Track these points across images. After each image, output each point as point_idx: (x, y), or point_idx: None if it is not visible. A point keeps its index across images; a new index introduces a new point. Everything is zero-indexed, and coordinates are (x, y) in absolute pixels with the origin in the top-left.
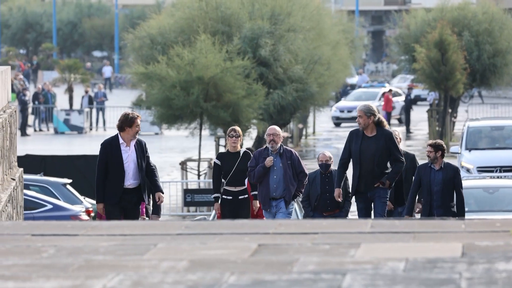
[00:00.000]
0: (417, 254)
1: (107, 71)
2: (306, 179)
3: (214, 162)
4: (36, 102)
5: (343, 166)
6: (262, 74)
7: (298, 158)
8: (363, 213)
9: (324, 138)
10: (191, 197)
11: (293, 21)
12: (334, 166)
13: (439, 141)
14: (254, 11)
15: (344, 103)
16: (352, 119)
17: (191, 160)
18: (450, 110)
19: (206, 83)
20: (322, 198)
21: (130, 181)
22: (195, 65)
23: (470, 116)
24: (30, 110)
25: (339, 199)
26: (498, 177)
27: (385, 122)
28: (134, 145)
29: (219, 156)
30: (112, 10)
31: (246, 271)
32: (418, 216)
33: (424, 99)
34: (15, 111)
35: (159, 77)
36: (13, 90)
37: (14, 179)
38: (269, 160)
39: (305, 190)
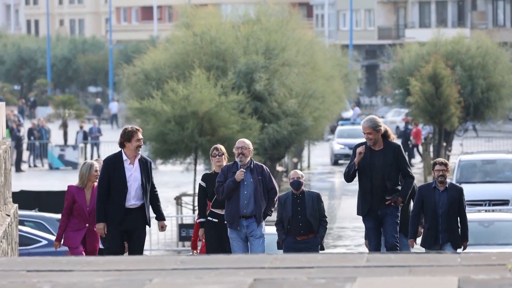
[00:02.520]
0: None
1: (114, 107)
2: (277, 197)
3: (199, 184)
4: (32, 138)
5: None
6: (256, 109)
7: (269, 173)
8: (372, 234)
9: (319, 172)
10: (186, 232)
11: (288, 55)
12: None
13: (443, 159)
14: (249, 46)
15: (347, 140)
16: None
17: (186, 195)
18: (444, 144)
19: (200, 117)
20: (294, 221)
21: (132, 201)
22: (190, 100)
23: (465, 149)
24: (24, 146)
25: (360, 153)
26: (492, 211)
27: (392, 134)
28: (139, 163)
29: (204, 177)
30: (106, 46)
31: None
32: (419, 240)
33: None
34: (10, 147)
35: (153, 112)
36: (7, 126)
37: (9, 215)
38: (240, 174)
39: (278, 213)
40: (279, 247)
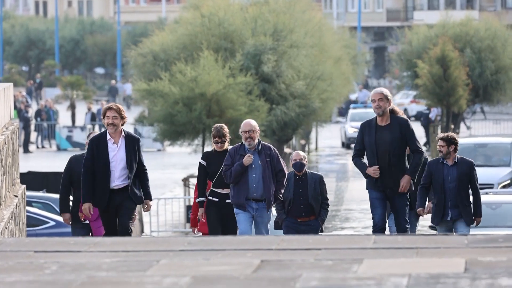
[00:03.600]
0: (420, 270)
1: (128, 88)
2: (286, 179)
3: (199, 162)
4: (39, 119)
5: (357, 156)
6: (264, 90)
7: (277, 154)
8: (378, 203)
9: (327, 154)
10: None
11: (296, 37)
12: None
13: (451, 134)
14: (257, 27)
15: (360, 123)
16: None
17: (193, 177)
18: (452, 126)
19: (208, 99)
20: (295, 202)
21: (117, 182)
22: (198, 82)
23: (473, 132)
24: (32, 127)
25: (376, 174)
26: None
27: (400, 110)
28: (125, 142)
29: (205, 155)
30: (114, 27)
31: (249, 287)
32: (429, 215)
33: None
34: (18, 128)
35: (161, 94)
36: (15, 107)
37: (16, 196)
38: (248, 158)
39: None
40: (276, 227)
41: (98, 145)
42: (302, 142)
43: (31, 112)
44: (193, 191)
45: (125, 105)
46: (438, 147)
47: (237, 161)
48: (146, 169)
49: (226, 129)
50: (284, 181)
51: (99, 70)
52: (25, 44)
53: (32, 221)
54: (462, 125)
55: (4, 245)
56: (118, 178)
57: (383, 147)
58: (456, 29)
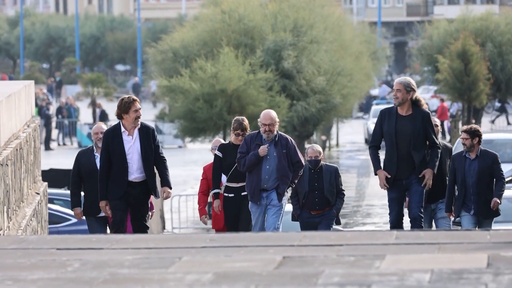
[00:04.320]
0: (442, 265)
1: (154, 85)
2: (302, 170)
3: (215, 154)
4: (60, 116)
5: (374, 148)
6: (285, 86)
7: (294, 146)
8: (394, 205)
9: (348, 149)
10: None
11: (316, 32)
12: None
13: (474, 126)
14: (277, 23)
15: None
16: None
17: None
18: (473, 121)
19: (229, 95)
20: (310, 195)
21: (135, 174)
22: (218, 78)
23: (493, 127)
24: (53, 124)
25: (385, 186)
26: None
27: (423, 102)
28: (139, 133)
29: (221, 147)
30: (134, 24)
31: (271, 283)
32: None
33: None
34: (39, 126)
35: (182, 90)
36: (36, 105)
37: (38, 193)
38: (263, 149)
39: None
40: (293, 219)
41: (113, 137)
42: (323, 137)
43: (52, 109)
44: None
45: (151, 103)
46: (461, 140)
47: (252, 149)
48: (164, 158)
49: (246, 121)
50: (300, 172)
51: (120, 67)
52: (45, 41)
53: (54, 219)
54: (483, 119)
55: (26, 243)
56: (136, 170)
57: (403, 137)
58: (476, 23)
